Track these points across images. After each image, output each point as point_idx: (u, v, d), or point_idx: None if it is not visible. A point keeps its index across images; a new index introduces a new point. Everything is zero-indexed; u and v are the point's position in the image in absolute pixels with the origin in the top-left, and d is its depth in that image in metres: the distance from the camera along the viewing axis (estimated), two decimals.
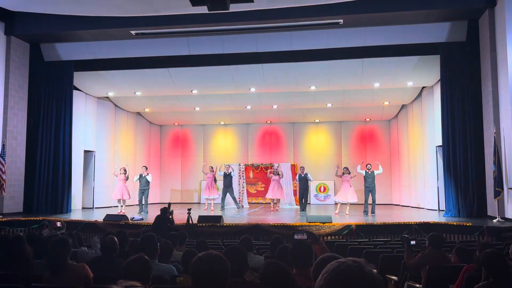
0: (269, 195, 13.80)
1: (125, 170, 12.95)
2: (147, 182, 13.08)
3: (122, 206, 12.71)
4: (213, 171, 14.11)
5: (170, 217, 8.56)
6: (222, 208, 13.78)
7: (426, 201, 13.67)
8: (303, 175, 13.66)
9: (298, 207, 14.37)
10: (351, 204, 12.32)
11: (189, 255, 3.83)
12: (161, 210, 8.61)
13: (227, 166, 14.54)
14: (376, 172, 12.40)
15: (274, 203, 13.87)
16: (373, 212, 12.09)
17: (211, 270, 2.07)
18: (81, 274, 3.55)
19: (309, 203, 16.09)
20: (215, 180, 14.11)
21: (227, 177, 14.11)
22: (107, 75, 13.41)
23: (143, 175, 13.17)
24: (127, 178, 12.89)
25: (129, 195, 12.87)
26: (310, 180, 13.83)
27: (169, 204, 9.05)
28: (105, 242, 4.19)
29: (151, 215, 12.28)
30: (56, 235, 5.66)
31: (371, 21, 10.92)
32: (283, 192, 13.99)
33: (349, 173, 12.38)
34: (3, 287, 3.42)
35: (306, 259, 3.17)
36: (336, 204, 12.90)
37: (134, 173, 14.37)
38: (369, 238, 8.80)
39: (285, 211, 13.83)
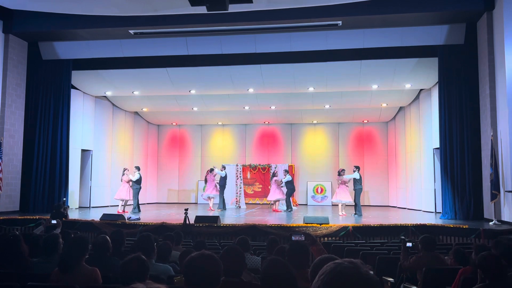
0: (270, 197, 14.15)
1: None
2: (133, 182, 13.20)
3: (123, 206, 12.77)
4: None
5: (65, 212, 10.00)
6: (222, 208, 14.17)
7: (423, 203, 13.69)
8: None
9: (297, 207, 14.51)
10: (346, 205, 12.55)
11: (186, 255, 3.82)
12: (55, 206, 9.64)
13: (222, 167, 14.72)
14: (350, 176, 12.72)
15: (274, 203, 14.06)
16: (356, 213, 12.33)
17: (203, 269, 2.08)
18: (90, 277, 3.50)
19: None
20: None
21: (222, 178, 14.31)
22: (105, 74, 13.38)
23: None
24: (129, 179, 13.04)
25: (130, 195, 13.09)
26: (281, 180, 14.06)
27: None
28: (97, 242, 4.16)
29: (145, 215, 12.30)
30: (75, 233, 5.65)
31: (370, 23, 10.95)
32: (279, 193, 14.02)
33: (341, 175, 12.55)
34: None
35: (303, 260, 3.17)
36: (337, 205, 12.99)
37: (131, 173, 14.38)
38: (366, 239, 8.81)
39: (282, 212, 13.84)
